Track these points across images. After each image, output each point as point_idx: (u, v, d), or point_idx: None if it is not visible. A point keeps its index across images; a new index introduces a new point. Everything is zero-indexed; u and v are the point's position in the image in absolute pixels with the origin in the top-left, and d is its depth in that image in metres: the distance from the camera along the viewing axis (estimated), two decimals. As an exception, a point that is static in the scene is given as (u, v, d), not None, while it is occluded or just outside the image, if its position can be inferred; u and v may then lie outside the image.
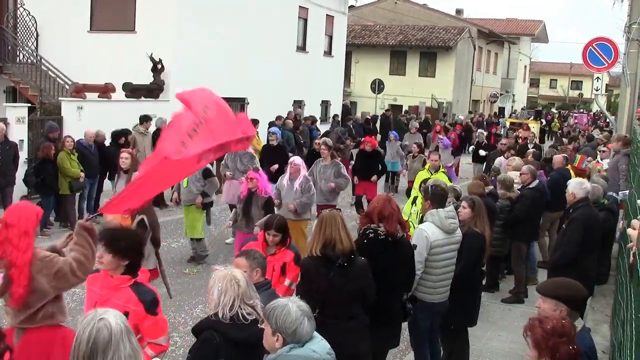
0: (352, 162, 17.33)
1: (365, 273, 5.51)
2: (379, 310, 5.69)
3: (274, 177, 14.32)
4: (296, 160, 10.96)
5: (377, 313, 5.68)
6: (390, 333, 6.11)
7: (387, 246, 5.80)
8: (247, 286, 4.22)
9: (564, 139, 23.83)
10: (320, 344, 3.90)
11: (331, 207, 12.42)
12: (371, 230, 5.87)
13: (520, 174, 10.56)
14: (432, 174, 11.38)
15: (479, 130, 24.40)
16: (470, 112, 43.30)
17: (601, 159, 14.65)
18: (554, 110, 56.72)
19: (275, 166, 14.07)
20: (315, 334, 3.94)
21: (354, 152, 19.13)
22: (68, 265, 4.90)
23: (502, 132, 26.50)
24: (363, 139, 16.95)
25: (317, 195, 12.35)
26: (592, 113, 57.70)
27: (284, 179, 10.90)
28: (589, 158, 14.92)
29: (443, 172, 11.95)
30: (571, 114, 54.61)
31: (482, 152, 19.38)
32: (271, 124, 20.61)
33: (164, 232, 12.47)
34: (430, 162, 12.12)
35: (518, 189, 10.57)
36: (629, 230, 4.97)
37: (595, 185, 9.31)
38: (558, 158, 12.81)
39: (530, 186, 10.28)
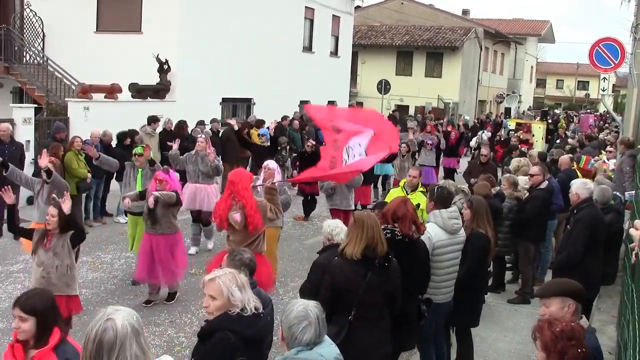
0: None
1: (399, 273, 5.51)
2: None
3: None
4: (270, 164, 10.04)
5: (394, 315, 5.68)
6: (408, 335, 6.11)
7: (404, 247, 5.79)
8: (243, 279, 4.31)
9: (569, 140, 23.76)
10: (329, 349, 3.90)
11: (348, 212, 12.10)
12: (388, 231, 5.86)
13: (531, 175, 10.50)
14: (407, 193, 9.88)
15: (480, 132, 24.34)
16: (490, 112, 43.35)
17: (607, 159, 14.61)
18: (556, 111, 56.48)
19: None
20: (326, 337, 3.93)
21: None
22: (274, 210, 7.96)
23: (503, 133, 26.46)
24: None
25: (336, 199, 12.26)
26: (598, 113, 57.52)
27: (257, 183, 10.14)
28: (596, 158, 14.90)
29: (422, 191, 10.26)
30: (576, 114, 54.44)
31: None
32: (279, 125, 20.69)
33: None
34: (408, 179, 10.42)
35: (527, 189, 10.54)
36: (632, 231, 4.95)
37: (604, 187, 9.23)
38: (564, 159, 12.78)
39: (541, 187, 10.25)
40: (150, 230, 9.29)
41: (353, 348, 5.16)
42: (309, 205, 15.62)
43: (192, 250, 12.20)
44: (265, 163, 10.21)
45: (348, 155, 8.18)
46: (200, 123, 17.61)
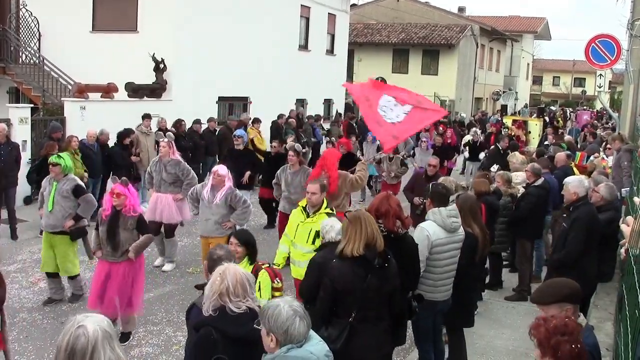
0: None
1: (398, 273, 5.48)
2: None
3: (245, 184, 13.11)
4: (220, 170, 9.27)
5: (393, 315, 5.66)
6: (397, 331, 6.10)
7: (390, 243, 5.73)
8: (235, 283, 4.21)
9: (565, 138, 23.77)
10: (318, 346, 3.89)
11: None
12: None
13: (526, 171, 10.59)
14: (307, 216, 7.86)
15: (473, 129, 24.30)
16: (499, 111, 43.29)
17: (607, 156, 14.63)
18: (552, 107, 56.52)
19: (247, 173, 13.11)
20: (314, 334, 3.93)
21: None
22: (355, 178, 10.57)
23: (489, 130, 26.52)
24: (338, 140, 15.45)
25: (286, 204, 11.21)
26: (595, 110, 57.62)
27: (205, 190, 9.38)
28: (596, 154, 14.92)
29: (328, 212, 7.85)
30: (572, 111, 54.44)
31: (481, 155, 19.20)
32: (273, 125, 20.61)
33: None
34: (307, 196, 8.02)
35: (523, 187, 10.57)
36: (623, 227, 4.98)
37: (611, 185, 9.19)
38: (561, 156, 12.80)
39: (536, 184, 10.28)
40: (109, 258, 7.94)
41: (354, 350, 5.15)
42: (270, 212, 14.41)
43: (158, 261, 11.33)
44: (215, 168, 9.46)
45: (385, 112, 10.02)
46: (197, 122, 17.59)
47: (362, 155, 17.72)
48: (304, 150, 15.30)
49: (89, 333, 3.01)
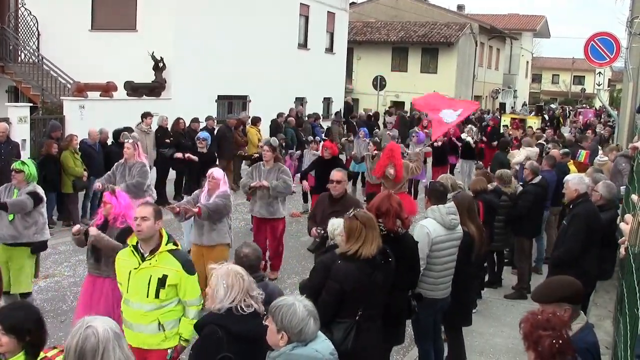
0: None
1: (395, 268, 5.50)
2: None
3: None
4: (215, 173, 8.63)
5: (391, 311, 5.67)
6: (395, 330, 6.09)
7: (390, 242, 5.73)
8: (249, 279, 4.31)
9: (566, 135, 23.74)
10: (323, 344, 3.91)
11: (276, 221, 10.52)
12: None
13: (525, 169, 10.64)
14: (142, 259, 5.52)
15: (469, 126, 24.15)
16: (498, 109, 43.21)
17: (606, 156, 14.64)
18: (552, 105, 56.44)
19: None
20: (319, 333, 3.94)
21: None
22: (413, 167, 12.52)
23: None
24: (322, 143, 14.73)
25: (257, 207, 10.48)
26: (594, 108, 57.61)
27: (202, 195, 8.71)
28: (601, 155, 14.94)
29: (171, 249, 5.61)
30: (572, 109, 54.37)
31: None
32: (272, 124, 20.58)
33: (169, 230, 12.40)
34: (136, 226, 5.67)
35: (520, 185, 10.59)
36: (622, 225, 4.97)
37: (609, 183, 9.16)
38: (554, 153, 12.81)
39: (533, 182, 10.28)
40: (93, 271, 6.94)
41: (360, 348, 5.13)
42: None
43: None
44: (210, 171, 8.73)
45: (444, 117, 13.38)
46: (195, 120, 17.56)
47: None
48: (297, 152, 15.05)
49: (99, 333, 3.00)
